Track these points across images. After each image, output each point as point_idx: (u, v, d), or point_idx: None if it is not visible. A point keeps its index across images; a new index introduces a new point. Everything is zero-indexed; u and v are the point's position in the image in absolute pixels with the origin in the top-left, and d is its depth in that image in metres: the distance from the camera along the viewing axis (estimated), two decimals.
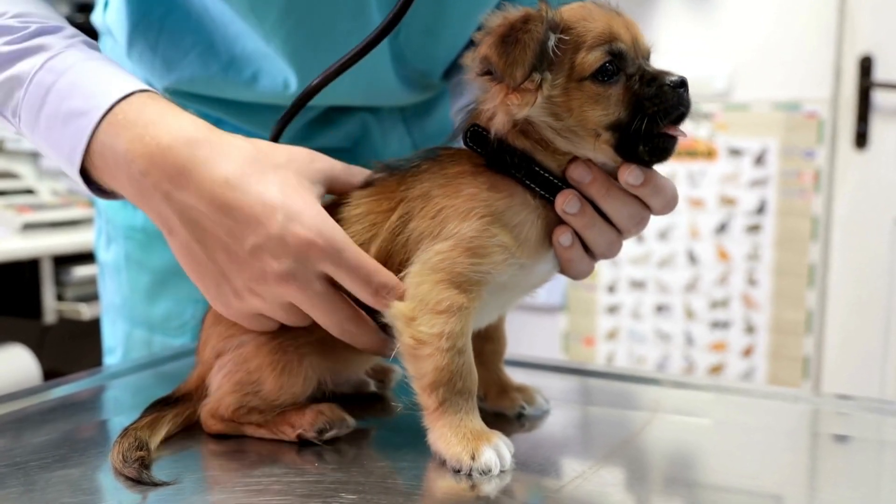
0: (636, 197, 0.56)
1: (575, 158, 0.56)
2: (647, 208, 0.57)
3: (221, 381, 0.61)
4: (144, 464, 0.53)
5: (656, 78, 0.53)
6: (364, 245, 0.58)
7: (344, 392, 0.70)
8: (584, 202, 0.56)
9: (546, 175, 0.56)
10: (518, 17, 0.53)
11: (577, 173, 0.55)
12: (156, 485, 0.51)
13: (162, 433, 0.59)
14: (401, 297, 0.55)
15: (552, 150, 0.56)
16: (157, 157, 0.54)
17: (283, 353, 0.60)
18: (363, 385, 0.71)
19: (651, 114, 0.52)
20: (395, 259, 0.58)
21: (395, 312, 0.54)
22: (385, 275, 0.55)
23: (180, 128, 0.55)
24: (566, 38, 0.53)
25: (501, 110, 0.55)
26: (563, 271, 0.60)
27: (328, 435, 0.58)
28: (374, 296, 0.55)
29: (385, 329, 0.58)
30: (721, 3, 2.31)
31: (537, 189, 0.56)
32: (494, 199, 0.55)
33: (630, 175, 0.54)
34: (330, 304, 0.56)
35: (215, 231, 0.55)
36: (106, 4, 0.87)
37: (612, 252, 0.59)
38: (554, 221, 0.57)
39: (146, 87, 0.59)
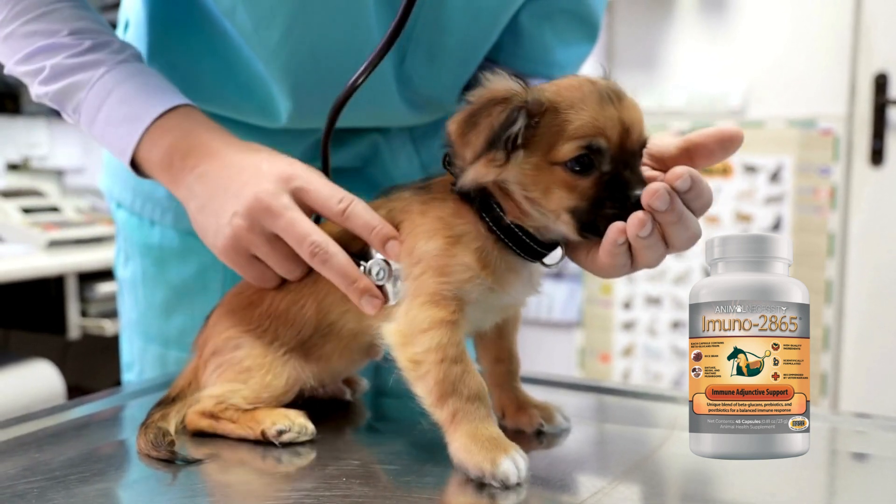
0: (693, 219, 0.55)
1: (654, 182, 0.54)
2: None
3: (214, 381, 0.65)
4: (173, 447, 0.59)
5: (626, 186, 0.55)
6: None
7: (322, 397, 0.73)
8: (657, 226, 0.55)
9: (500, 213, 0.58)
10: (488, 99, 0.55)
11: (656, 202, 0.53)
12: (189, 462, 0.58)
13: (172, 427, 0.63)
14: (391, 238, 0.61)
15: (517, 206, 0.58)
16: (192, 150, 0.70)
17: (271, 354, 0.65)
18: (339, 393, 0.75)
19: (610, 215, 0.55)
20: None
21: (390, 341, 0.58)
22: (383, 224, 0.62)
23: (208, 140, 0.70)
24: (550, 121, 0.55)
25: (471, 171, 0.57)
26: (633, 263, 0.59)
27: (285, 437, 0.62)
28: (381, 243, 0.61)
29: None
30: (736, 20, 2.32)
31: (491, 224, 0.59)
32: (456, 224, 0.59)
33: (680, 181, 0.53)
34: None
35: (220, 181, 0.67)
36: (126, 25, 0.90)
37: (655, 264, 0.58)
38: (512, 259, 0.59)
39: (184, 100, 0.72)
